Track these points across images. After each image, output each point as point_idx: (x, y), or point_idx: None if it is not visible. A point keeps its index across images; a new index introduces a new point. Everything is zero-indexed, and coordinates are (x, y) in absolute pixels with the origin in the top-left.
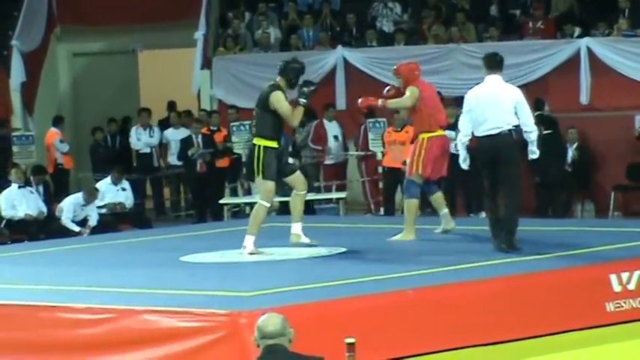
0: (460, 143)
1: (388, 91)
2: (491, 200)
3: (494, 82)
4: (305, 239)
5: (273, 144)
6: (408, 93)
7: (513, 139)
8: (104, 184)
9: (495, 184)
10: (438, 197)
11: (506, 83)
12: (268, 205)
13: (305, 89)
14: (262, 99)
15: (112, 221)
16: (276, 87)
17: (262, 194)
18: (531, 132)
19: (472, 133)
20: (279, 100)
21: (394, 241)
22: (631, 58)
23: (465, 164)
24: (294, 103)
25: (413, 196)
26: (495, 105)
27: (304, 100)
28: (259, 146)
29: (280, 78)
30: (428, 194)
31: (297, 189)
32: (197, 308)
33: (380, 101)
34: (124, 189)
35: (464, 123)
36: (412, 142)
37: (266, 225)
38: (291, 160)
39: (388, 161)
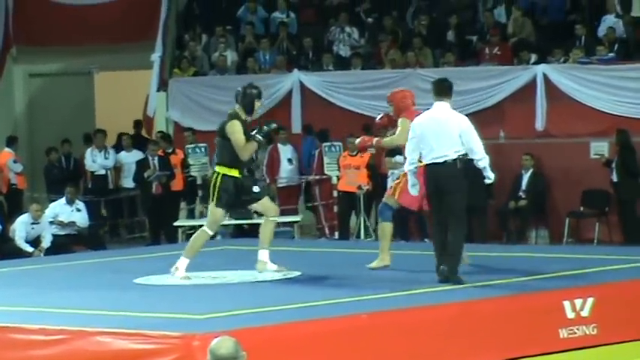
0: (408, 171)
1: (381, 118)
2: (437, 229)
3: (441, 109)
4: (272, 266)
5: (234, 172)
6: (399, 127)
7: (458, 168)
8: (58, 205)
9: (441, 213)
10: None
11: (453, 111)
12: (211, 233)
13: (265, 127)
14: (221, 128)
15: (66, 242)
16: (233, 116)
17: (209, 221)
18: (480, 159)
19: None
20: (235, 131)
21: (372, 269)
22: (587, 85)
23: (414, 190)
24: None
25: (386, 220)
26: (440, 133)
27: (260, 138)
28: (218, 173)
29: (238, 106)
30: None
31: (267, 214)
32: (150, 330)
33: (374, 141)
34: (78, 209)
35: (410, 150)
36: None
37: (220, 248)
38: (256, 189)
39: (343, 185)
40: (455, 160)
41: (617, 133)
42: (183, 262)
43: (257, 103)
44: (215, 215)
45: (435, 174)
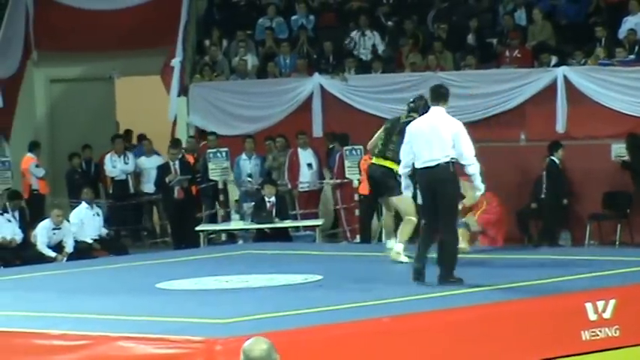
0: (402, 174)
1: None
2: (426, 232)
3: (435, 114)
4: (404, 258)
5: (397, 166)
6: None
7: (450, 171)
8: (82, 210)
9: (431, 216)
10: None
11: (448, 115)
12: (415, 220)
13: None
14: (402, 125)
15: (88, 248)
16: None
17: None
18: (470, 165)
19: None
20: None
21: None
22: (607, 87)
23: (407, 191)
24: None
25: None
26: (433, 138)
27: None
28: (391, 168)
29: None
30: None
31: (406, 214)
32: (173, 335)
33: None
34: (98, 214)
35: (404, 154)
36: None
37: (242, 252)
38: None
39: (364, 189)
40: (447, 163)
41: (628, 137)
42: (399, 246)
43: None
44: (408, 200)
45: (427, 177)
